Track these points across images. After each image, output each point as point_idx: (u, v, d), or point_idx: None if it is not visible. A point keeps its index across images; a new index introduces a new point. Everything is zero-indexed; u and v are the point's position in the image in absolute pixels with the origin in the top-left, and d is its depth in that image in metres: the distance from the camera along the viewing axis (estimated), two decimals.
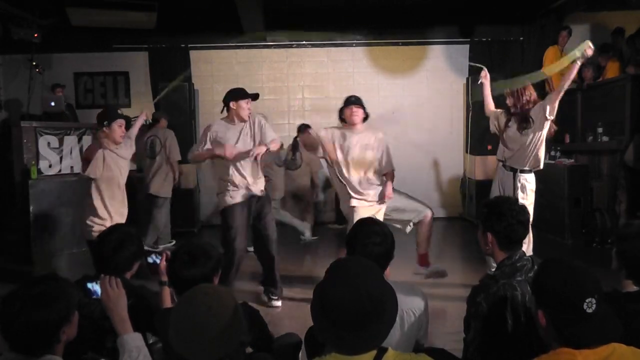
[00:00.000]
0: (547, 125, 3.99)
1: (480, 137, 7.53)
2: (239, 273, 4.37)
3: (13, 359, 1.64)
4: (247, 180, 4.14)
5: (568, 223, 6.23)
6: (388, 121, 7.97)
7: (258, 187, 4.23)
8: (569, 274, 1.53)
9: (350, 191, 4.24)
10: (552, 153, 6.86)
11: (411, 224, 4.35)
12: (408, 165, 6.76)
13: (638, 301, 1.90)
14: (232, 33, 7.95)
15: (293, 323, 3.40)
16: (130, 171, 4.71)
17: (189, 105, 7.72)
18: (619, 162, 5.85)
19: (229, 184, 4.13)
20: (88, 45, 8.17)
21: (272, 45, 8.48)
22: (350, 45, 8.53)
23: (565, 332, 1.49)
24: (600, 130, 6.18)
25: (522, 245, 2.17)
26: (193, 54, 8.34)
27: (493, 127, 4.39)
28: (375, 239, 2.09)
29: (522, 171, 4.09)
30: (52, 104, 7.13)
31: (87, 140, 6.68)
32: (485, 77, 4.45)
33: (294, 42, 8.49)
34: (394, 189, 4.30)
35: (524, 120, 3.99)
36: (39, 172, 6.20)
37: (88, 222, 4.20)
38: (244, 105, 4.08)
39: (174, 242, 6.65)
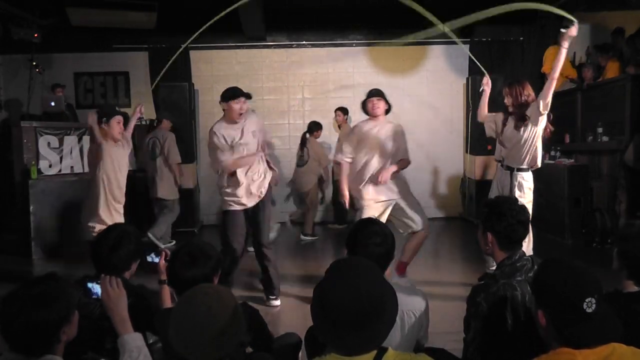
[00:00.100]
0: (542, 121, 3.97)
1: (480, 137, 7.52)
2: (237, 272, 4.40)
3: (13, 359, 1.64)
4: (244, 190, 4.18)
5: (568, 223, 6.24)
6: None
7: (256, 191, 4.23)
8: (569, 273, 1.53)
9: (365, 182, 4.29)
10: (552, 153, 6.87)
11: (409, 230, 4.39)
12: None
13: (639, 301, 1.90)
14: (232, 33, 7.96)
15: (293, 323, 3.40)
16: (132, 171, 4.72)
17: (189, 105, 7.72)
18: (619, 162, 5.85)
19: (226, 191, 4.22)
20: (88, 45, 8.17)
21: (272, 45, 8.48)
22: (350, 45, 8.54)
23: (565, 332, 1.49)
24: (600, 130, 6.18)
25: (522, 245, 2.17)
26: (193, 54, 8.34)
27: (489, 131, 4.41)
28: (375, 239, 2.09)
29: (519, 169, 4.10)
30: (52, 104, 7.13)
31: (87, 140, 6.67)
32: (487, 85, 4.46)
33: (294, 42, 8.50)
34: (410, 193, 4.40)
35: (521, 119, 4.01)
36: (39, 172, 6.20)
37: (90, 223, 4.22)
38: (234, 105, 4.08)
39: (174, 242, 6.66)
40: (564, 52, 3.76)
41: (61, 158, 6.46)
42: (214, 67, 8.49)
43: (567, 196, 6.25)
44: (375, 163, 4.28)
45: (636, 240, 1.97)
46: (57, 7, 7.08)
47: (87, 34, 7.65)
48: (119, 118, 4.28)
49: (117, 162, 4.31)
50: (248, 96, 4.15)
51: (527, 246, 3.86)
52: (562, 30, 3.72)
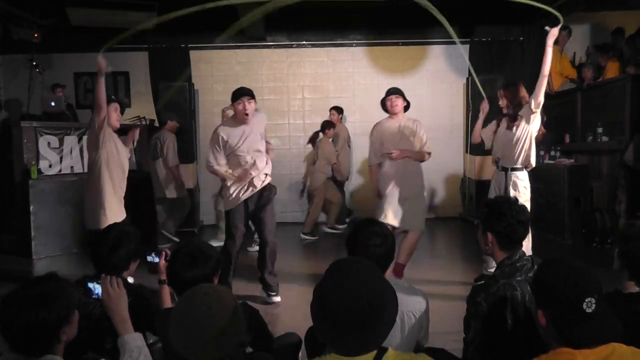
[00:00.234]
0: (534, 120, 4.06)
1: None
2: (238, 272, 4.40)
3: (13, 359, 1.64)
4: (245, 188, 4.20)
5: (568, 223, 6.24)
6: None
7: (257, 185, 4.23)
8: (569, 273, 1.53)
9: (386, 177, 4.51)
10: (552, 153, 6.87)
11: (403, 227, 4.49)
12: None
13: (639, 302, 1.90)
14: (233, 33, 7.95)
15: (293, 323, 3.39)
16: (132, 171, 4.69)
17: (189, 105, 7.72)
18: (619, 162, 5.85)
19: (228, 190, 4.24)
20: (88, 45, 8.15)
21: (272, 45, 8.48)
22: (350, 45, 8.54)
23: (565, 332, 1.49)
24: (600, 130, 6.18)
25: (522, 245, 2.17)
26: (193, 54, 8.34)
27: (488, 142, 4.53)
28: (376, 240, 2.08)
29: (514, 169, 4.17)
30: (52, 104, 7.13)
31: (87, 140, 6.68)
32: (484, 109, 4.53)
33: (294, 42, 8.50)
34: (422, 195, 4.62)
35: (513, 119, 4.12)
36: (39, 172, 6.20)
37: (97, 208, 4.06)
38: (237, 107, 4.09)
39: (177, 239, 6.67)
40: (549, 51, 3.88)
41: (61, 158, 6.46)
42: (214, 67, 8.49)
43: (567, 196, 6.25)
44: (398, 159, 4.47)
45: (637, 241, 1.97)
46: (57, 7, 7.07)
47: (87, 34, 7.63)
48: (116, 105, 4.24)
49: (119, 148, 4.20)
50: (250, 94, 4.10)
51: (526, 245, 3.87)
52: (546, 28, 3.91)
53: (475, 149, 7.86)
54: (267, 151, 4.35)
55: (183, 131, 7.27)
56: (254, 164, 4.18)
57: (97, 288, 2.11)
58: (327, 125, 7.35)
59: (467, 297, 2.09)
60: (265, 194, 4.28)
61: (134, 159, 5.97)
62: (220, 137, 4.15)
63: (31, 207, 6.06)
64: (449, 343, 2.54)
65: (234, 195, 4.21)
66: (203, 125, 8.04)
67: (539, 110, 4.02)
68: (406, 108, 4.60)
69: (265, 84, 8.45)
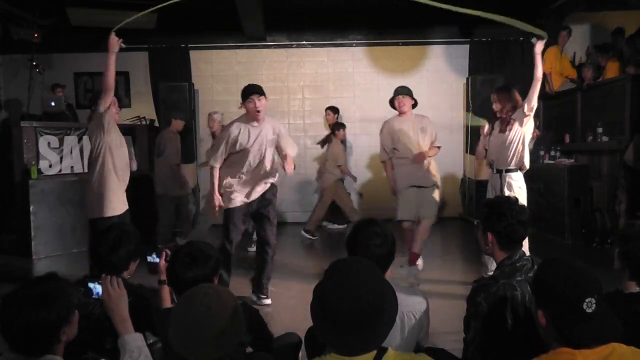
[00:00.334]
0: (528, 122, 4.15)
1: (480, 137, 7.54)
2: (238, 272, 4.39)
3: (13, 359, 1.64)
4: (247, 189, 4.18)
5: (568, 223, 6.24)
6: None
7: (258, 191, 4.21)
8: (569, 273, 1.53)
9: (401, 174, 4.76)
10: (552, 153, 6.87)
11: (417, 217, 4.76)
12: None
13: (639, 302, 1.90)
14: (232, 33, 7.96)
15: (293, 323, 3.40)
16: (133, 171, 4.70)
17: (189, 105, 7.72)
18: (619, 162, 5.84)
19: (230, 189, 4.18)
20: (88, 45, 8.16)
21: (272, 45, 8.48)
22: (350, 45, 8.54)
23: (565, 332, 1.49)
24: (600, 130, 6.18)
25: (522, 245, 2.17)
26: (193, 54, 8.34)
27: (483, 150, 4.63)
28: (376, 240, 2.07)
29: (508, 170, 4.24)
30: (52, 104, 7.13)
31: (87, 140, 6.67)
32: (485, 133, 4.57)
33: (294, 42, 8.50)
34: (435, 187, 4.82)
35: (507, 122, 4.23)
36: (39, 172, 6.20)
37: (101, 195, 3.99)
38: (249, 105, 4.00)
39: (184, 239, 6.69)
40: (539, 58, 4.10)
41: (61, 158, 6.47)
42: (214, 67, 8.49)
43: (567, 196, 6.25)
44: (409, 155, 4.69)
45: (637, 241, 1.97)
46: (57, 7, 7.08)
47: (87, 34, 7.63)
48: (114, 99, 4.19)
49: (121, 139, 4.16)
50: (259, 91, 4.02)
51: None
52: (533, 40, 4.13)
53: (475, 149, 7.85)
54: (285, 159, 4.24)
55: (183, 131, 7.26)
56: (257, 167, 4.13)
57: (97, 288, 2.11)
58: (337, 126, 7.38)
59: (467, 297, 2.09)
60: (268, 194, 4.25)
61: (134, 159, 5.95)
62: (230, 135, 4.07)
63: (31, 207, 6.06)
64: (449, 343, 2.55)
65: (235, 195, 4.17)
66: (203, 125, 8.03)
67: (532, 114, 4.12)
68: (414, 106, 4.82)
69: (265, 84, 8.31)
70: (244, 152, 4.09)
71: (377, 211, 7.72)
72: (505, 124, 4.23)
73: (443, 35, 8.36)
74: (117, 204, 4.04)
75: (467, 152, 8.28)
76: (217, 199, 4.17)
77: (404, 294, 2.00)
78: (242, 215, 4.22)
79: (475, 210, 7.53)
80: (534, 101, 4.04)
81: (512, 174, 4.23)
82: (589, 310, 1.47)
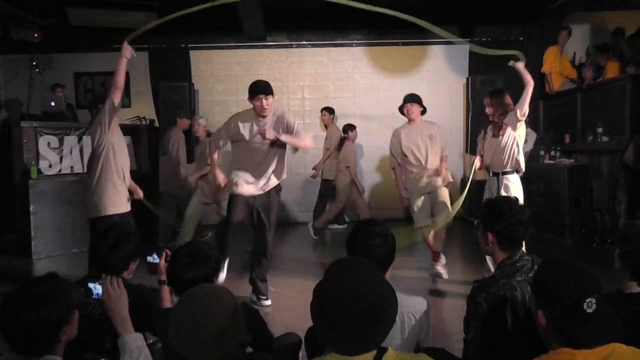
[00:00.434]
0: (520, 127, 4.25)
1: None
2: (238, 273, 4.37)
3: (13, 359, 1.64)
4: (251, 179, 4.15)
5: (568, 223, 6.24)
6: (388, 121, 7.98)
7: (261, 185, 4.19)
8: (569, 273, 1.53)
9: (411, 180, 4.84)
10: (552, 153, 6.87)
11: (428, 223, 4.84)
12: None
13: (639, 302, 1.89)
14: (232, 33, 7.96)
15: (293, 323, 3.40)
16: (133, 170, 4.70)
17: (189, 105, 7.72)
18: (619, 162, 5.85)
19: (235, 178, 4.16)
20: (88, 45, 8.17)
21: (272, 45, 8.48)
22: (350, 45, 8.54)
23: (565, 332, 1.49)
24: (600, 130, 6.18)
25: (522, 245, 2.17)
26: (193, 54, 8.34)
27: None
28: (376, 240, 2.07)
29: (504, 173, 4.31)
30: (52, 104, 7.13)
31: (87, 140, 6.68)
32: (478, 165, 4.68)
33: (294, 42, 8.50)
34: (444, 190, 4.83)
35: (500, 127, 4.31)
36: (39, 172, 6.20)
37: (103, 193, 4.00)
38: (255, 103, 4.03)
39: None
40: (524, 71, 4.20)
41: (61, 158, 6.47)
42: (214, 67, 8.49)
43: (567, 196, 6.25)
44: (418, 164, 4.78)
45: (637, 241, 1.97)
46: (57, 7, 7.07)
47: (87, 34, 7.64)
48: None
49: (123, 140, 4.20)
50: (266, 92, 4.02)
51: None
52: (510, 64, 4.31)
53: (475, 149, 7.85)
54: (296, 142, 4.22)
55: (183, 131, 7.27)
56: (260, 161, 4.13)
57: (97, 288, 2.11)
58: (347, 128, 7.46)
59: (467, 297, 2.09)
60: (271, 194, 4.24)
61: (133, 157, 5.94)
62: (231, 124, 4.12)
63: (31, 207, 6.07)
64: (449, 343, 2.55)
65: (239, 183, 4.12)
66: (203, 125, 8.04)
67: (524, 118, 4.22)
68: (423, 112, 4.89)
69: None
70: (246, 144, 4.11)
71: (381, 211, 7.80)
72: (498, 129, 4.32)
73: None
74: (118, 202, 4.04)
75: (467, 152, 8.28)
76: (220, 177, 4.18)
77: (404, 295, 2.00)
78: (245, 204, 4.15)
79: (476, 210, 7.53)
80: (525, 106, 4.15)
81: (509, 176, 4.30)
82: (589, 311, 1.47)
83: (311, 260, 6.19)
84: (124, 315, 1.92)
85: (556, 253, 5.60)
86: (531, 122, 7.61)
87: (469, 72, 8.32)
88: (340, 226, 7.82)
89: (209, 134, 6.19)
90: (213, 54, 8.46)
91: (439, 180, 4.78)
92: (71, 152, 6.55)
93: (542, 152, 7.04)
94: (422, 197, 4.82)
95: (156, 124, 7.96)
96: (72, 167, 6.56)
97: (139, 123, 7.72)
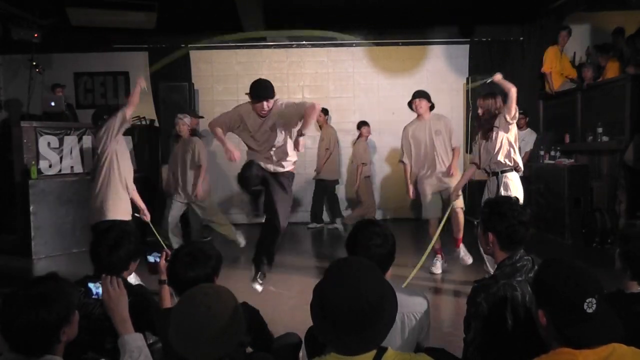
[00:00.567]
0: (512, 128, 4.33)
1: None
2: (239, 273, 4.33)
3: (13, 359, 1.64)
4: (261, 161, 4.18)
5: (568, 223, 6.24)
6: (388, 121, 7.99)
7: (270, 168, 4.18)
8: (570, 274, 1.53)
9: (422, 179, 5.06)
10: (552, 153, 6.87)
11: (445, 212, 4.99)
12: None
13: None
14: (232, 33, 7.95)
15: (293, 323, 3.39)
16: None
17: (189, 105, 7.72)
18: (619, 162, 5.85)
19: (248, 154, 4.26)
20: (88, 45, 8.17)
21: (272, 45, 8.48)
22: (350, 45, 8.54)
23: (565, 332, 1.49)
24: (600, 130, 6.18)
25: (522, 246, 2.17)
26: (193, 54, 8.34)
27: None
28: (376, 240, 2.07)
29: (503, 171, 4.34)
30: (52, 104, 7.13)
31: (87, 140, 6.68)
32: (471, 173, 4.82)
33: (294, 42, 8.50)
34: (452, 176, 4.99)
35: (490, 130, 4.39)
36: (39, 172, 6.20)
37: (105, 200, 4.16)
38: (256, 105, 4.03)
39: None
40: (503, 82, 4.34)
41: (61, 158, 6.47)
42: (214, 67, 8.49)
43: (567, 196, 6.25)
44: (432, 156, 4.99)
45: (637, 241, 1.97)
46: (57, 7, 7.07)
47: (87, 34, 7.64)
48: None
49: (126, 147, 4.43)
50: (267, 97, 4.00)
51: None
52: (487, 81, 4.59)
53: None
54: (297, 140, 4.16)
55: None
56: (265, 147, 4.14)
57: (97, 288, 2.11)
58: (360, 125, 7.58)
59: (467, 298, 2.09)
60: (283, 178, 4.21)
61: (133, 157, 5.91)
62: (237, 113, 4.13)
63: (31, 207, 6.07)
64: (449, 343, 2.54)
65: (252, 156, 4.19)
66: (203, 126, 8.02)
67: (514, 122, 4.31)
68: (431, 108, 5.11)
69: None
70: (250, 134, 4.14)
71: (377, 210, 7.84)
72: (489, 131, 4.40)
73: (443, 35, 8.36)
74: (119, 208, 4.13)
75: (467, 152, 8.27)
76: (236, 153, 4.10)
77: (405, 295, 2.00)
78: (258, 167, 4.12)
79: (476, 210, 7.53)
80: (513, 110, 4.23)
81: (509, 174, 4.32)
82: (589, 311, 1.47)
83: (311, 260, 6.18)
84: (124, 315, 1.92)
85: (556, 253, 5.60)
86: (531, 122, 7.63)
87: (469, 72, 8.32)
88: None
89: (193, 133, 6.16)
90: (213, 54, 8.46)
91: (453, 180, 4.95)
92: (71, 152, 6.55)
93: (542, 152, 7.04)
94: (435, 195, 5.05)
95: (156, 124, 7.96)
96: (72, 167, 6.56)
97: (139, 123, 7.72)
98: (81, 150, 6.62)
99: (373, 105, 8.45)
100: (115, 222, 3.22)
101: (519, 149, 4.61)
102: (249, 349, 2.26)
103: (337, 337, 1.38)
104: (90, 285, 2.14)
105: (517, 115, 4.30)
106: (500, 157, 4.31)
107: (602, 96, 6.44)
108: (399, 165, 8.10)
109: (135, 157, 7.10)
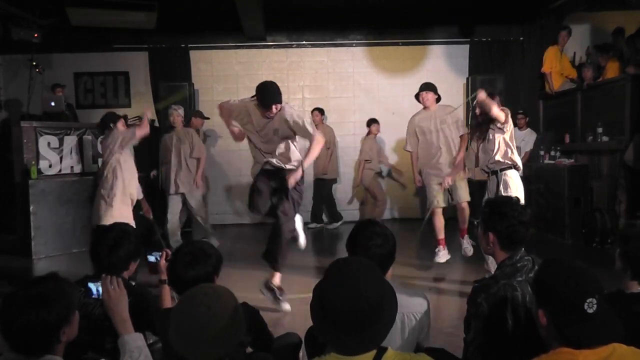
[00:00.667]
0: (507, 129, 4.36)
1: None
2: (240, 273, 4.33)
3: (13, 359, 1.64)
4: (268, 160, 4.20)
5: (568, 223, 6.24)
6: (388, 121, 7.98)
7: (274, 164, 4.20)
8: (570, 274, 1.53)
9: (425, 166, 5.18)
10: (552, 153, 6.86)
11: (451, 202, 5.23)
12: (408, 165, 6.77)
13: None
14: (232, 33, 7.96)
15: (293, 323, 3.40)
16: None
17: (189, 105, 7.72)
18: (619, 162, 5.85)
19: (254, 160, 4.32)
20: (88, 45, 8.17)
21: (272, 45, 8.48)
22: (350, 45, 8.54)
23: (565, 332, 1.49)
24: (600, 130, 6.18)
25: (523, 246, 2.16)
26: (193, 54, 8.34)
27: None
28: (377, 240, 2.07)
29: (503, 169, 4.37)
30: (52, 104, 7.13)
31: (87, 140, 6.68)
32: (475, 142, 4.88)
33: (294, 42, 8.50)
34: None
35: (486, 130, 4.46)
36: (39, 172, 6.20)
37: (108, 204, 4.39)
38: (263, 109, 4.03)
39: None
40: (487, 101, 4.33)
41: (61, 158, 6.47)
42: (214, 67, 8.49)
43: (567, 196, 6.25)
44: (437, 145, 5.10)
45: (637, 241, 1.97)
46: (57, 7, 7.08)
47: (87, 34, 7.64)
48: (122, 120, 4.81)
49: (131, 156, 4.67)
50: (274, 103, 3.96)
51: None
52: (471, 97, 4.69)
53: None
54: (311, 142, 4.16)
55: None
56: (268, 146, 4.16)
57: (97, 288, 2.11)
58: (369, 122, 7.64)
59: (467, 298, 2.09)
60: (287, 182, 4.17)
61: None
62: (245, 107, 4.11)
63: (31, 207, 6.07)
64: (449, 343, 2.54)
65: (254, 166, 4.28)
66: (206, 126, 8.04)
67: (507, 124, 4.36)
68: (438, 100, 5.22)
69: None
70: (254, 129, 4.14)
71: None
72: (485, 132, 4.46)
73: (443, 35, 8.36)
74: (121, 216, 4.24)
75: (467, 151, 8.27)
76: (236, 129, 4.22)
77: (405, 295, 1.99)
78: (264, 183, 4.16)
79: (476, 211, 7.53)
80: (500, 117, 4.26)
81: (508, 172, 4.34)
82: (590, 311, 1.47)
83: (311, 260, 6.18)
84: (124, 315, 1.92)
85: (556, 253, 5.60)
86: (531, 122, 7.62)
87: (469, 72, 8.32)
88: (336, 224, 7.91)
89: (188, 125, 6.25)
90: (213, 54, 8.46)
91: (460, 175, 5.10)
92: (71, 152, 6.55)
93: (542, 152, 7.03)
94: (438, 182, 5.09)
95: (156, 124, 7.96)
96: (72, 167, 6.56)
97: (139, 123, 7.71)
98: (81, 150, 6.62)
99: (373, 105, 8.44)
100: (115, 223, 3.22)
101: (519, 149, 4.62)
102: (249, 349, 2.26)
103: (337, 337, 1.38)
104: (91, 285, 2.14)
105: (508, 119, 4.33)
106: (498, 157, 4.34)
107: (602, 96, 6.44)
108: (398, 166, 8.17)
109: (135, 157, 7.09)
